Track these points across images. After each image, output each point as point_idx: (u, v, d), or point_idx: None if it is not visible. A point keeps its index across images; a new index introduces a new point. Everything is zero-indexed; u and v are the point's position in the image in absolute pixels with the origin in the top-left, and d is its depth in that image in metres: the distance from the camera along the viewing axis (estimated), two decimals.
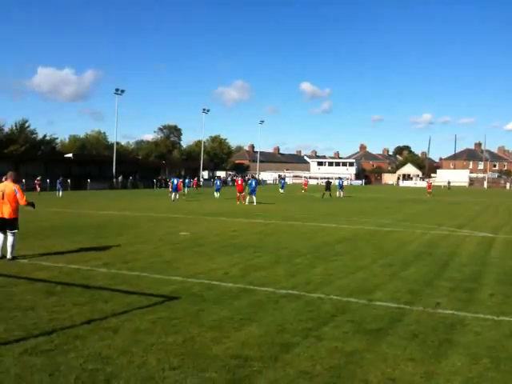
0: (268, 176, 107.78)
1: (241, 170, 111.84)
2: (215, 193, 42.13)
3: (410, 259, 12.12)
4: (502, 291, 8.84)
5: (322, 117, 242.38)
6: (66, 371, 4.94)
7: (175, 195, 35.29)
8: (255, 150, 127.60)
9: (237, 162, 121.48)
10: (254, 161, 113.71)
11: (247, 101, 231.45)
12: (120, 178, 63.09)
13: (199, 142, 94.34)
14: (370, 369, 5.17)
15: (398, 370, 5.18)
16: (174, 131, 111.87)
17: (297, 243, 14.55)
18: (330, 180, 52.62)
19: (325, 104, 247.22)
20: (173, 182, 36.66)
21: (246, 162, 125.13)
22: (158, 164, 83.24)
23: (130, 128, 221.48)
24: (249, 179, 40.46)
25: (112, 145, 75.23)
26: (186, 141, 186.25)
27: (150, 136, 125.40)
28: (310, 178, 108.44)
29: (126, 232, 16.54)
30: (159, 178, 70.83)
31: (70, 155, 62.90)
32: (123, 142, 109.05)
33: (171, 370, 5.02)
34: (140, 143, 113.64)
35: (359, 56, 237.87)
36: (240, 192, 33.53)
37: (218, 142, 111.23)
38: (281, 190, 53.11)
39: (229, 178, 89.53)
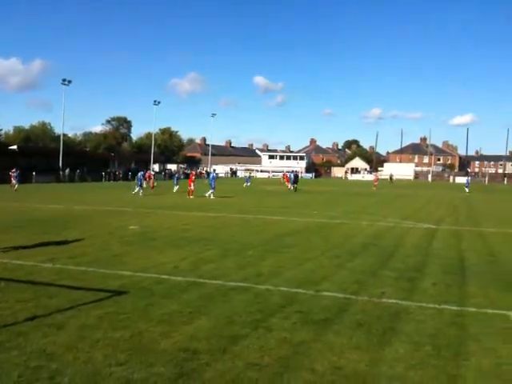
0: (220, 169, 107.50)
1: (192, 163, 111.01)
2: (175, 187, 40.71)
3: (356, 250, 12.42)
4: (444, 280, 9.20)
5: (274, 110, 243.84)
6: (9, 369, 4.81)
7: (139, 189, 34.59)
8: (207, 143, 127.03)
9: (188, 154, 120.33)
10: (206, 154, 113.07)
11: (200, 93, 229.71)
12: (67, 170, 61.34)
13: (150, 134, 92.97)
14: (317, 358, 5.29)
15: (344, 358, 5.32)
16: (123, 123, 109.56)
17: (248, 236, 14.62)
18: (298, 173, 53.15)
19: (278, 98, 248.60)
20: (138, 176, 36.36)
21: (198, 155, 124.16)
22: (106, 156, 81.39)
23: (79, 119, 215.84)
24: (209, 173, 40.13)
25: (59, 136, 73.03)
26: (137, 133, 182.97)
27: (98, 128, 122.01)
28: (262, 171, 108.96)
29: (74, 226, 16.14)
30: (108, 170, 69.37)
31: (15, 147, 60.58)
32: (71, 134, 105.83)
33: (118, 365, 4.97)
34: (88, 135, 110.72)
35: (312, 50, 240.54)
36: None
37: (168, 134, 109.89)
38: (247, 184, 53.81)
39: (176, 171, 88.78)
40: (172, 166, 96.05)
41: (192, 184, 32.86)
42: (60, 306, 6.90)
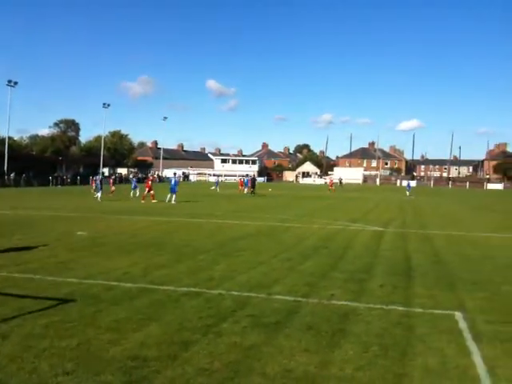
0: (171, 173, 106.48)
1: (143, 166, 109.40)
2: (133, 191, 38.44)
3: (307, 253, 12.58)
4: (391, 281, 9.45)
5: (227, 115, 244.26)
6: None
7: (100, 194, 33.68)
8: (158, 146, 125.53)
9: (139, 158, 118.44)
10: (158, 158, 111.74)
11: (152, 96, 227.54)
12: (12, 175, 59.24)
13: (99, 137, 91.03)
14: (268, 361, 5.32)
15: (294, 361, 5.38)
16: (71, 126, 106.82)
17: (200, 240, 14.55)
18: (255, 178, 53.40)
19: (231, 102, 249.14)
20: (96, 181, 35.59)
21: (149, 159, 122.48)
22: (54, 160, 79.09)
23: (25, 122, 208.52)
24: (160, 177, 39.53)
25: (3, 140, 70.39)
26: (86, 136, 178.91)
27: (45, 131, 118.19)
28: (214, 175, 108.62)
29: (19, 232, 15.59)
30: (56, 174, 67.41)
31: None
32: (16, 137, 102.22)
33: (64, 374, 4.84)
34: (35, 138, 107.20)
35: (264, 56, 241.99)
36: (149, 190, 32.81)
37: (118, 137, 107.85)
38: (214, 187, 53.53)
39: (131, 176, 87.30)
40: (122, 170, 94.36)
41: (148, 188, 32.45)
42: (4, 315, 6.65)
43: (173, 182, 32.96)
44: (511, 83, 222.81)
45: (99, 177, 36.74)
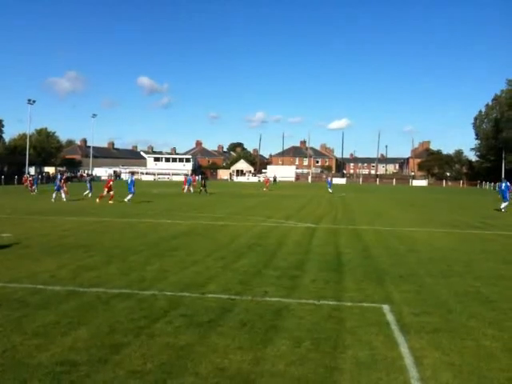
0: (102, 172, 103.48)
1: (72, 165, 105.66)
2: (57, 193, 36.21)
3: (241, 251, 12.64)
4: (322, 277, 9.67)
5: (159, 112, 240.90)
6: None
7: (57, 194, 31.95)
8: (88, 144, 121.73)
9: (68, 157, 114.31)
10: (87, 156, 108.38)
11: (81, 93, 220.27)
12: None
13: (24, 135, 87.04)
14: (201, 361, 5.30)
15: (228, 359, 5.38)
16: None
17: (131, 241, 14.25)
18: (207, 177, 53.08)
19: (163, 99, 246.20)
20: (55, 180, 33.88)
21: (78, 158, 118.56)
22: None
23: None
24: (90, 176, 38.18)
25: None
26: (11, 134, 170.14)
27: None
28: (147, 173, 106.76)
29: None
30: None
31: None
32: None
33: None
34: None
35: (197, 52, 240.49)
36: (109, 191, 31.45)
37: (44, 135, 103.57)
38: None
39: (58, 175, 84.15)
40: (50, 169, 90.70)
41: (107, 188, 31.12)
42: None
43: (130, 181, 32.04)
44: (435, 81, 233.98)
45: (59, 176, 34.77)
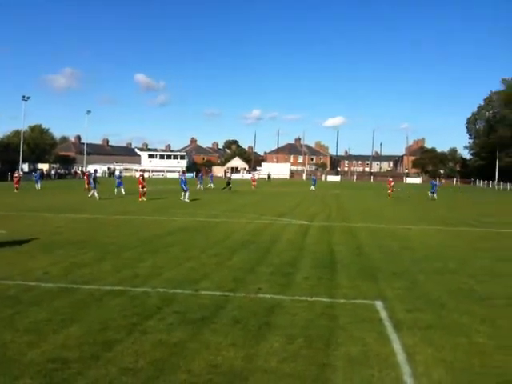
0: (97, 169, 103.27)
1: (66, 162, 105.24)
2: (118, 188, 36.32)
3: (235, 248, 12.62)
4: (316, 274, 9.67)
5: (155, 109, 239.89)
6: None
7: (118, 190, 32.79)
8: (82, 141, 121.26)
9: (62, 153, 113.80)
10: (81, 153, 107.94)
11: (77, 90, 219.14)
12: None
13: (18, 131, 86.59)
14: (194, 358, 5.29)
15: (221, 356, 5.37)
16: None
17: (126, 237, 14.21)
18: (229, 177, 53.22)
19: (160, 97, 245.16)
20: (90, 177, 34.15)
21: (72, 154, 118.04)
22: None
23: None
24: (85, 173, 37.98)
25: None
26: (4, 130, 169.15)
27: None
28: (141, 170, 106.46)
29: None
30: None
31: None
32: None
33: None
34: None
35: (195, 50, 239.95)
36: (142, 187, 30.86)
37: (38, 131, 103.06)
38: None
39: (52, 171, 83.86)
40: (44, 166, 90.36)
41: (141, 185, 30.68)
42: None
43: (181, 180, 32.56)
44: (430, 79, 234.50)
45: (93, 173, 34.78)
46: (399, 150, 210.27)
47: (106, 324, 6.32)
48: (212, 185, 51.80)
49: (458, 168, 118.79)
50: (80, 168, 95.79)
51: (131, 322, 6.41)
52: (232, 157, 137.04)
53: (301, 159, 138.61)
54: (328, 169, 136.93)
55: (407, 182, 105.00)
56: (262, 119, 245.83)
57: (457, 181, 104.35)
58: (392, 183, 43.08)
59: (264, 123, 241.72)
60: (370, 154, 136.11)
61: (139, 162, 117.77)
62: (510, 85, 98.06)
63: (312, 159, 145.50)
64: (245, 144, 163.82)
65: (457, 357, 5.53)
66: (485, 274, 10.19)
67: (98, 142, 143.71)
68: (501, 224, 20.50)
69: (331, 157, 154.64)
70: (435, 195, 38.60)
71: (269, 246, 13.17)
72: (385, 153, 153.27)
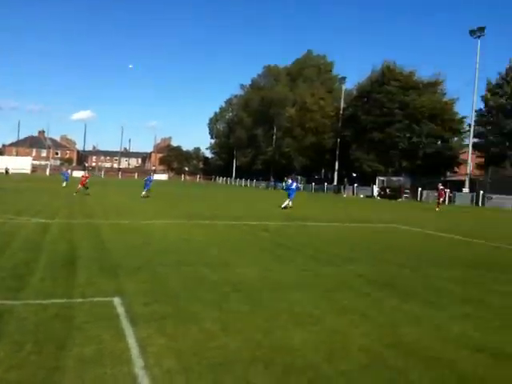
0: None
1: None
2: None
3: None
4: (52, 274, 9.17)
5: None
6: None
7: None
8: None
9: None
10: None
11: None
12: None
13: None
14: None
15: None
16: None
17: None
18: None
19: None
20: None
21: None
22: None
23: None
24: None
25: None
26: None
27: None
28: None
29: None
30: None
31: None
32: None
33: None
34: None
35: None
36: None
37: None
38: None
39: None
40: None
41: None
42: None
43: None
44: (174, 80, 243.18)
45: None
46: (148, 147, 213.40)
47: None
48: None
49: (201, 166, 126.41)
50: None
51: None
52: None
53: (44, 153, 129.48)
54: (74, 164, 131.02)
55: (155, 178, 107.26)
56: (2, 109, 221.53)
57: (199, 177, 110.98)
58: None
59: (4, 113, 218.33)
60: (119, 150, 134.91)
61: None
62: (247, 90, 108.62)
63: (57, 153, 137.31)
64: None
65: (187, 344, 5.89)
66: (216, 263, 11.09)
67: None
68: (224, 217, 22.57)
69: (78, 151, 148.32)
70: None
71: (0, 247, 11.98)
72: (133, 149, 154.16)
